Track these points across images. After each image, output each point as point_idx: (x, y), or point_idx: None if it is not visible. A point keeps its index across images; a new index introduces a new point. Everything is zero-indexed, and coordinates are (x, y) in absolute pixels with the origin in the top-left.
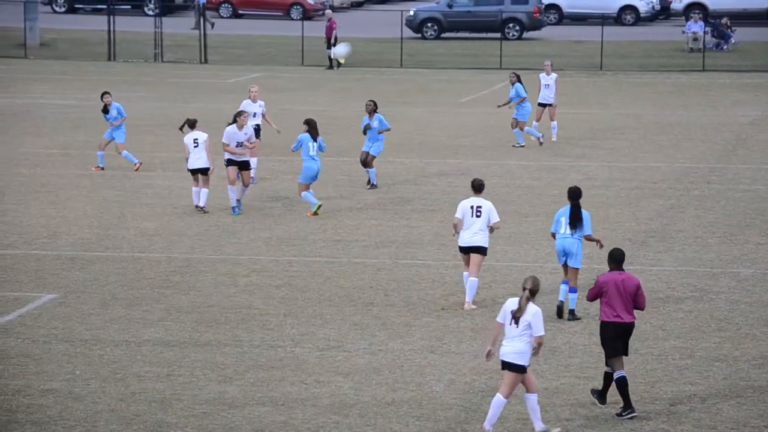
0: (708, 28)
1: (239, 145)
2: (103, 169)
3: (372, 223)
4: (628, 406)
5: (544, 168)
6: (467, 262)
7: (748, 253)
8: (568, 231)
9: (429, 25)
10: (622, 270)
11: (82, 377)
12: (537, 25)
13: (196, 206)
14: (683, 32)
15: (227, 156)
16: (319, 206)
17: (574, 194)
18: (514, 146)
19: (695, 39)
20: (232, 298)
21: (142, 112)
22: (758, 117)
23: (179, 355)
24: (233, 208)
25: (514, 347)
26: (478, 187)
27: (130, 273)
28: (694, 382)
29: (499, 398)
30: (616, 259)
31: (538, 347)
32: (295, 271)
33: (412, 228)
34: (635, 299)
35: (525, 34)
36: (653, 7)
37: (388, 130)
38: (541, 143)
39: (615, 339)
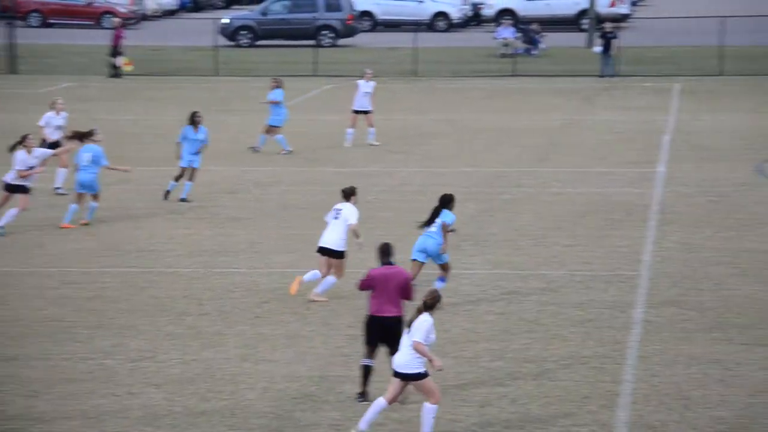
0: (518, 34)
1: (31, 169)
2: None
3: (185, 232)
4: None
5: (359, 174)
6: (322, 264)
7: (557, 255)
8: (432, 229)
9: (243, 32)
10: (392, 264)
11: None
12: (351, 32)
13: None
14: (494, 38)
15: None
16: (71, 222)
17: (443, 199)
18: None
19: (506, 44)
20: (40, 311)
21: None
22: (568, 121)
23: None
24: None
25: (400, 358)
26: (343, 194)
27: None
28: (505, 384)
29: (380, 401)
30: (386, 252)
31: (416, 352)
32: (107, 282)
33: (226, 237)
34: (403, 292)
35: (339, 41)
36: (465, 14)
37: (207, 145)
38: (283, 153)
39: (379, 332)
